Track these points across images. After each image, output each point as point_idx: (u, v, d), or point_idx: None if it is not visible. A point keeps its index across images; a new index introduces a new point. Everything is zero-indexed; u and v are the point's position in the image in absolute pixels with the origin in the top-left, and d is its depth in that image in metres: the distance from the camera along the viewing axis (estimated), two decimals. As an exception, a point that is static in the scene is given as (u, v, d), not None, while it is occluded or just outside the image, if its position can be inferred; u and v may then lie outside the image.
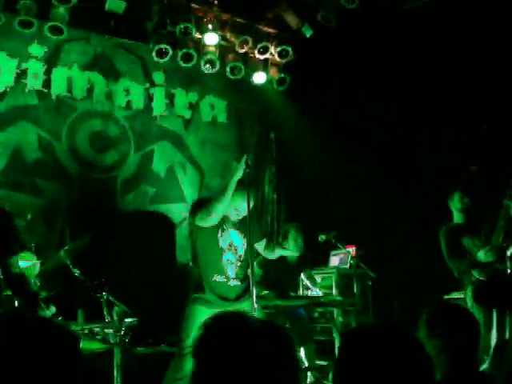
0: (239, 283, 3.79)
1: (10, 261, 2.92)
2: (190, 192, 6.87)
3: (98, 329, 4.12)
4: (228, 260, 3.76)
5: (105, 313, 4.22)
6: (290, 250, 4.80)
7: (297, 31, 6.81)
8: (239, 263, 3.79)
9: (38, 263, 4.38)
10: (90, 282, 4.24)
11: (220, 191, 3.64)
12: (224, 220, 3.75)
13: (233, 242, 3.80)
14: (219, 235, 3.75)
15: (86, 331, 4.20)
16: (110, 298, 4.19)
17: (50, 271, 4.17)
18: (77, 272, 3.95)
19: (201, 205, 3.69)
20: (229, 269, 3.76)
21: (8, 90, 6.08)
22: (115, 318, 4.05)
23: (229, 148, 7.22)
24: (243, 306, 3.69)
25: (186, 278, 6.04)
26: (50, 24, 6.01)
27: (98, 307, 4.29)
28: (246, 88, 7.20)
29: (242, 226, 3.78)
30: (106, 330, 4.06)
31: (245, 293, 3.77)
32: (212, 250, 3.74)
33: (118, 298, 4.38)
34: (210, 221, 3.64)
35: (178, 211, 6.69)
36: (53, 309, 2.86)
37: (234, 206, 3.71)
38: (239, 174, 3.53)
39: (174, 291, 5.92)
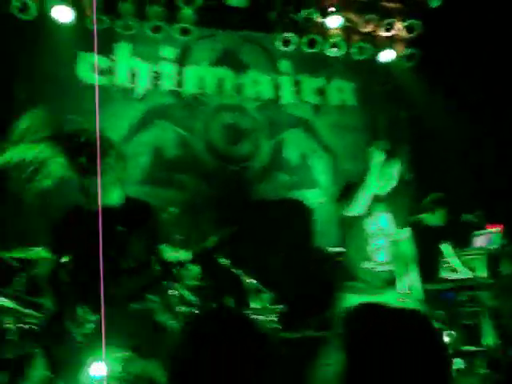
0: (390, 268, 3.71)
1: (160, 249, 3.06)
2: (323, 177, 6.87)
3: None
4: (377, 245, 3.69)
5: (252, 299, 4.36)
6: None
7: (423, 2, 6.53)
8: (390, 248, 3.71)
9: (189, 255, 4.58)
10: (236, 271, 4.40)
11: (360, 179, 3.56)
12: (372, 205, 3.67)
13: (381, 226, 3.71)
14: (367, 221, 3.68)
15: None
16: (257, 284, 4.32)
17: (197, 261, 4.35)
18: (224, 262, 4.10)
19: (345, 193, 3.65)
20: (378, 255, 3.69)
21: (146, 92, 6.45)
22: (265, 304, 4.17)
23: (359, 130, 7.10)
24: (393, 292, 3.63)
25: (325, 263, 6.10)
26: (178, 26, 6.30)
27: (245, 294, 4.45)
28: (373, 68, 7.04)
29: (391, 209, 3.69)
30: (256, 317, 4.20)
31: (395, 278, 3.70)
32: (359, 236, 3.68)
33: (263, 284, 4.51)
34: (354, 210, 3.58)
35: (313, 197, 6.72)
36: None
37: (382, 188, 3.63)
38: (377, 159, 3.45)
39: (316, 276, 5.99)
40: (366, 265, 3.65)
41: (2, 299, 3.75)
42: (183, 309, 4.16)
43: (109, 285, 2.78)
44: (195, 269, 2.83)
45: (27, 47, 6.13)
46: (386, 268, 3.69)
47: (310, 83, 7.01)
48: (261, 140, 6.77)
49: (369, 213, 3.67)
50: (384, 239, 3.69)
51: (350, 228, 3.70)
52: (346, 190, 3.65)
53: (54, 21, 6.00)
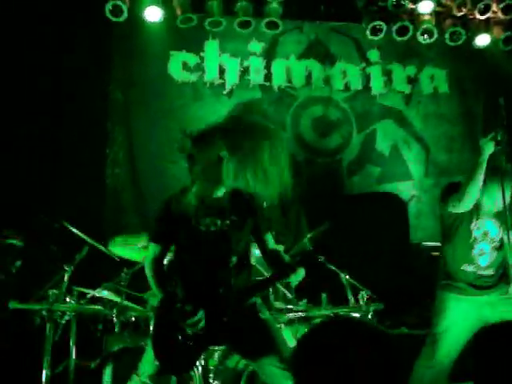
0: (492, 273, 3.56)
1: (265, 237, 3.05)
2: (416, 169, 6.68)
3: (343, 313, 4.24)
4: (481, 250, 3.54)
5: (349, 297, 4.31)
6: None
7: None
8: (494, 253, 3.54)
9: (280, 250, 4.59)
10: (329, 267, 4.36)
11: (469, 173, 3.40)
12: (478, 207, 3.51)
13: (487, 231, 3.55)
14: (472, 224, 3.52)
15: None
16: (353, 281, 4.26)
17: (295, 258, 4.35)
18: (321, 258, 4.07)
19: (451, 190, 3.50)
20: (480, 259, 3.54)
21: (234, 87, 6.51)
22: (361, 302, 4.11)
23: (454, 120, 6.84)
24: (494, 296, 3.50)
25: (420, 258, 5.94)
26: (265, 20, 6.30)
27: (342, 291, 4.40)
28: (467, 53, 6.74)
29: (500, 214, 3.50)
30: (352, 314, 4.15)
31: (498, 282, 3.55)
32: (463, 238, 3.53)
33: (358, 281, 4.44)
34: (461, 207, 3.43)
35: (405, 189, 6.56)
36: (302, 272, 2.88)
37: (489, 196, 3.46)
38: (488, 151, 3.29)
39: (409, 271, 5.84)
40: (468, 267, 3.52)
41: (108, 293, 3.91)
42: (278, 304, 4.18)
43: (214, 283, 2.81)
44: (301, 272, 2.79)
45: (120, 49, 6.35)
46: (489, 272, 3.55)
47: (401, 72, 6.81)
48: (351, 132, 6.67)
49: (475, 216, 3.53)
50: (488, 244, 3.55)
51: (454, 228, 3.57)
52: (453, 186, 3.51)
53: (144, 21, 6.17)
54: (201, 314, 2.70)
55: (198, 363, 3.29)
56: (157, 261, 2.94)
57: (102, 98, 6.13)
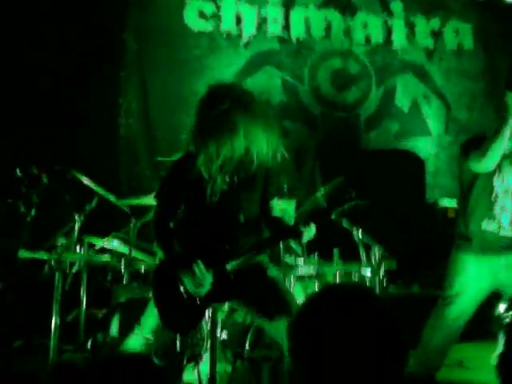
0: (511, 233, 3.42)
1: (270, 202, 3.00)
2: (435, 126, 6.52)
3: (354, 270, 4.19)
4: (503, 207, 3.40)
5: (361, 253, 4.25)
6: None
7: None
8: None
9: (292, 204, 4.53)
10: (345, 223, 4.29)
11: (496, 130, 3.24)
12: (501, 162, 3.37)
13: (511, 186, 3.40)
14: (494, 179, 3.38)
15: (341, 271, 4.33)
16: (366, 238, 4.20)
17: (306, 213, 4.29)
18: (333, 214, 3.99)
19: (473, 145, 3.35)
20: (503, 217, 3.40)
21: (251, 38, 6.33)
22: (373, 259, 4.05)
23: (477, 76, 6.63)
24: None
25: (437, 217, 5.86)
26: (285, -33, 6.08)
27: (354, 247, 4.34)
28: (495, 7, 6.48)
29: None
30: (362, 271, 4.10)
31: None
32: (484, 195, 3.39)
33: (372, 238, 4.37)
34: (485, 165, 3.29)
35: (424, 146, 6.41)
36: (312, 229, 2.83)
37: None
38: None
39: (423, 230, 5.77)
40: (488, 226, 3.39)
41: (117, 243, 3.89)
42: (288, 259, 4.14)
43: (221, 240, 2.76)
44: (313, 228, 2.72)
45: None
46: (509, 232, 3.42)
47: (425, 25, 6.57)
48: (370, 86, 6.49)
49: (498, 170, 3.37)
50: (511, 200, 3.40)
51: (474, 183, 3.43)
52: (475, 143, 3.35)
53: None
54: (207, 273, 2.66)
55: (205, 316, 3.27)
56: (164, 220, 2.88)
57: (117, 47, 6.01)
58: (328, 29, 6.46)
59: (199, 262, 2.66)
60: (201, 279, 2.66)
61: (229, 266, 2.71)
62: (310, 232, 2.80)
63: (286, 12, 6.40)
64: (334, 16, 6.48)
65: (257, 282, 2.79)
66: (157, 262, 3.75)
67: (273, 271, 2.88)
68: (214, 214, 2.78)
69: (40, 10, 5.64)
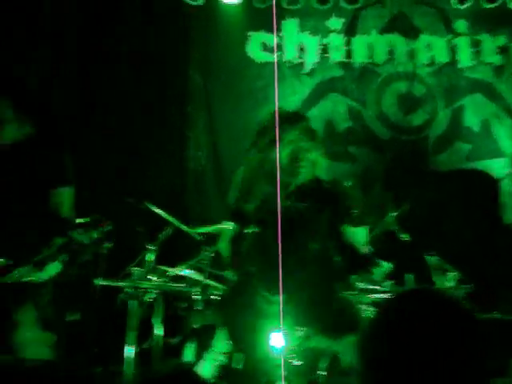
0: None
1: (342, 229, 2.98)
2: (509, 145, 6.30)
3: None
4: None
5: (434, 278, 4.14)
6: None
7: None
8: None
9: (363, 231, 4.47)
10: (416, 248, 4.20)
11: None
12: None
13: None
14: None
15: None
16: (441, 261, 4.09)
17: (378, 237, 4.23)
18: (405, 237, 3.92)
19: None
20: None
21: (314, 66, 6.39)
22: (449, 284, 3.94)
23: (550, 92, 6.40)
24: None
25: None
26: (345, -5, 6.15)
27: (428, 272, 4.23)
28: None
29: None
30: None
31: None
32: None
33: (447, 262, 4.25)
34: None
35: (498, 167, 6.20)
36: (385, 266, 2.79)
37: None
38: None
39: (501, 252, 5.54)
40: None
41: (190, 272, 3.96)
42: (361, 285, 4.07)
43: (290, 264, 2.76)
44: (385, 265, 2.69)
45: (198, 32, 6.38)
46: None
47: (491, 42, 6.41)
48: (437, 108, 6.37)
49: None
50: None
51: None
52: None
53: (221, 3, 6.20)
54: (279, 296, 2.66)
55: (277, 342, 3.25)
56: (235, 239, 2.92)
57: (182, 82, 6.21)
58: (391, 52, 6.43)
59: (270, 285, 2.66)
60: (274, 303, 2.65)
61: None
62: (381, 269, 2.75)
63: (347, 39, 6.43)
64: (397, 40, 6.46)
65: (331, 305, 2.76)
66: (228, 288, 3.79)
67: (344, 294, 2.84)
68: (283, 241, 2.79)
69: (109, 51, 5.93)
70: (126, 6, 6.11)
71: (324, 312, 2.78)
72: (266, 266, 2.72)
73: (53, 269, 2.79)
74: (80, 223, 2.61)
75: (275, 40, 6.13)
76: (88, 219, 2.61)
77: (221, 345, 2.81)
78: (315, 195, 2.80)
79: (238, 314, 2.74)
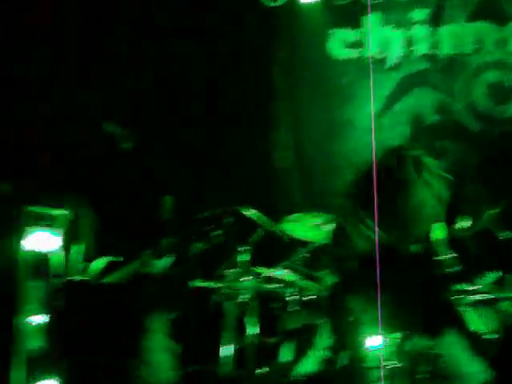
0: None
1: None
2: None
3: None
4: None
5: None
6: None
7: None
8: None
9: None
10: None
11: None
12: None
13: None
14: None
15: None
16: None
17: (474, 236, 4.09)
18: (506, 235, 3.77)
19: None
20: None
21: (399, 60, 6.27)
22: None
23: None
24: None
25: None
26: (430, -16, 5.98)
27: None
28: None
29: None
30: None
31: None
32: None
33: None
34: None
35: None
36: None
37: None
38: None
39: None
40: None
41: (284, 272, 3.98)
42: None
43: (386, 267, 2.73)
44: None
45: (279, 32, 6.41)
46: None
47: None
48: (532, 97, 6.10)
49: None
50: None
51: None
52: None
53: (301, 2, 6.20)
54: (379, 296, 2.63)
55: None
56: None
57: (266, 83, 6.26)
58: (479, 42, 6.20)
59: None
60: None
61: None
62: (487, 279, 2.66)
63: (433, 29, 6.26)
64: (485, 27, 6.21)
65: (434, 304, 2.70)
66: (324, 289, 3.78)
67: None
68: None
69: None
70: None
71: (424, 313, 2.73)
72: (368, 268, 2.69)
73: (166, 261, 2.94)
74: (202, 217, 2.69)
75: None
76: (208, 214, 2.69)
77: (324, 341, 2.81)
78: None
79: (344, 312, 2.73)
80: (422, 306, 2.77)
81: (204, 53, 6.08)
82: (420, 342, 3.44)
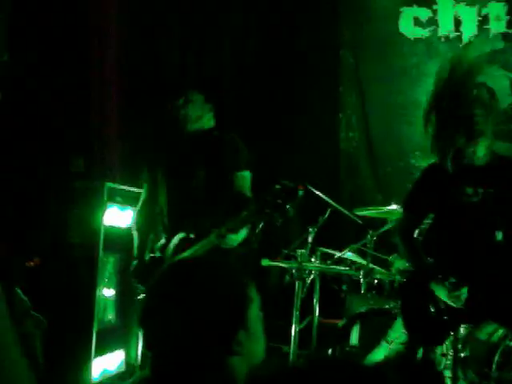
0: None
1: None
2: None
3: None
4: None
5: None
6: None
7: None
8: None
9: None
10: None
11: None
12: None
13: None
14: None
15: None
16: None
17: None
18: None
19: None
20: None
21: (473, 39, 6.04)
22: None
23: None
24: None
25: None
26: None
27: None
28: None
29: None
30: None
31: None
32: None
33: None
34: None
35: None
36: None
37: None
38: None
39: None
40: None
41: (353, 255, 3.97)
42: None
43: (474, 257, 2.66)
44: None
45: (348, 11, 6.29)
46: None
47: None
48: None
49: None
50: None
51: None
52: None
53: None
54: (464, 289, 2.56)
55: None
56: (410, 231, 2.85)
57: (333, 62, 6.17)
58: (558, 20, 5.90)
59: (452, 278, 2.58)
60: (454, 295, 2.56)
61: (483, 285, 2.58)
62: None
63: (509, 7, 5.99)
64: None
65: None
66: (393, 272, 3.75)
67: None
68: (466, 233, 2.66)
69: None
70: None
71: (501, 303, 2.65)
72: (445, 259, 2.62)
73: (243, 233, 2.99)
74: (274, 189, 2.70)
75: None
76: (281, 186, 2.69)
77: (397, 334, 2.78)
78: (501, 176, 2.61)
79: (415, 307, 2.68)
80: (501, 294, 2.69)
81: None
82: (493, 332, 3.37)
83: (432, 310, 2.63)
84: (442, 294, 2.56)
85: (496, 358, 3.25)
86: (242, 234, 2.95)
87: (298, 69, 6.05)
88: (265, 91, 6.01)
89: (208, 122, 3.26)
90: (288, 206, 2.68)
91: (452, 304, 2.56)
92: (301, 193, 2.70)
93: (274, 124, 5.95)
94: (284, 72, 6.05)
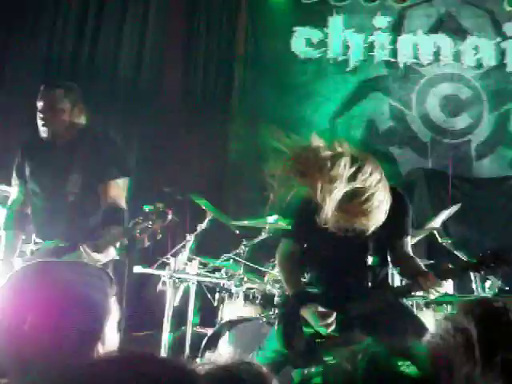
0: None
1: (403, 240, 2.84)
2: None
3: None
4: None
5: (474, 285, 4.08)
6: None
7: None
8: None
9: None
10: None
11: None
12: None
13: None
14: None
15: None
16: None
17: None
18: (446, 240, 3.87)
19: None
20: None
21: (358, 64, 6.33)
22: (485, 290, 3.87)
23: None
24: None
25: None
26: (394, -7, 6.06)
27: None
28: None
29: None
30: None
31: None
32: None
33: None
34: None
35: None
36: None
37: None
38: None
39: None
40: None
41: (228, 263, 3.96)
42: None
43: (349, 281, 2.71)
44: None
45: (243, 26, 6.39)
46: None
47: (543, 47, 6.26)
48: (483, 111, 6.25)
49: None
50: None
51: None
52: None
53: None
54: (334, 316, 2.59)
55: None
56: (293, 256, 2.83)
57: (226, 76, 6.23)
58: (437, 53, 6.33)
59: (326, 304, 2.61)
60: (328, 324, 2.58)
61: (356, 310, 2.63)
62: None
63: (393, 38, 6.36)
64: (444, 40, 6.36)
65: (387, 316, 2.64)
66: (266, 283, 3.79)
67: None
68: (340, 257, 2.69)
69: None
70: None
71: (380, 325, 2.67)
72: (321, 283, 2.64)
73: (109, 252, 2.81)
74: (145, 212, 2.61)
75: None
76: (152, 208, 2.60)
77: (274, 343, 2.74)
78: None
79: (290, 329, 2.67)
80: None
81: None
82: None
83: (304, 334, 2.63)
84: (311, 320, 2.58)
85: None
86: (109, 252, 2.81)
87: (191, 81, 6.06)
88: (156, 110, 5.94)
89: (81, 119, 3.10)
90: (157, 230, 2.64)
91: (321, 331, 2.56)
92: (170, 217, 2.66)
93: (163, 133, 5.88)
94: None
